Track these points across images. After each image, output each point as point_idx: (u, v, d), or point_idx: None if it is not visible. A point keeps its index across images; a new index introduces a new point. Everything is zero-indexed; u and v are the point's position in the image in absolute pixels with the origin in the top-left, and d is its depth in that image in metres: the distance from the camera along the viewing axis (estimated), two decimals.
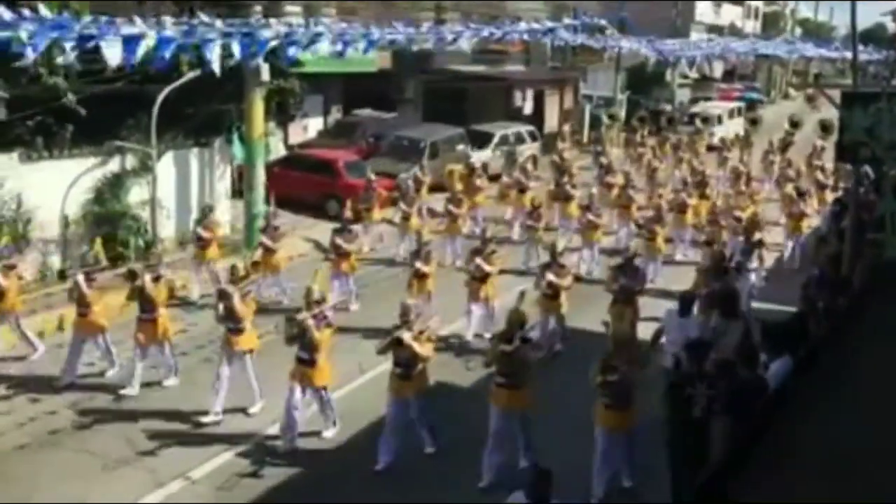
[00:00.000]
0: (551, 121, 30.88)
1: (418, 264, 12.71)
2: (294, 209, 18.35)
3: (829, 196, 20.75)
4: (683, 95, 41.51)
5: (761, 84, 54.58)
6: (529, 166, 20.35)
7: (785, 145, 26.68)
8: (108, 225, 14.88)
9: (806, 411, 4.92)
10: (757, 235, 14.56)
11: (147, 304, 10.62)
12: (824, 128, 27.01)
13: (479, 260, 12.43)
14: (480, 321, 12.57)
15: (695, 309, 10.20)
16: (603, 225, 16.39)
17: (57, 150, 14.85)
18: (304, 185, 18.88)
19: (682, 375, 7.63)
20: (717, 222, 16.12)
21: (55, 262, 14.35)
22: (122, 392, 10.51)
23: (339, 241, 13.78)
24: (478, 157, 22.73)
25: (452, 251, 16.48)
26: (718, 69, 49.03)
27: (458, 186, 18.49)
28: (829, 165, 22.69)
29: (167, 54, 11.25)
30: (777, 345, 7.04)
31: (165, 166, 15.97)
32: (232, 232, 17.14)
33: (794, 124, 30.15)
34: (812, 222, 18.14)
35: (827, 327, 8.02)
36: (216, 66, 12.04)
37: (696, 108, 35.77)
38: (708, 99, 40.46)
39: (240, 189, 17.41)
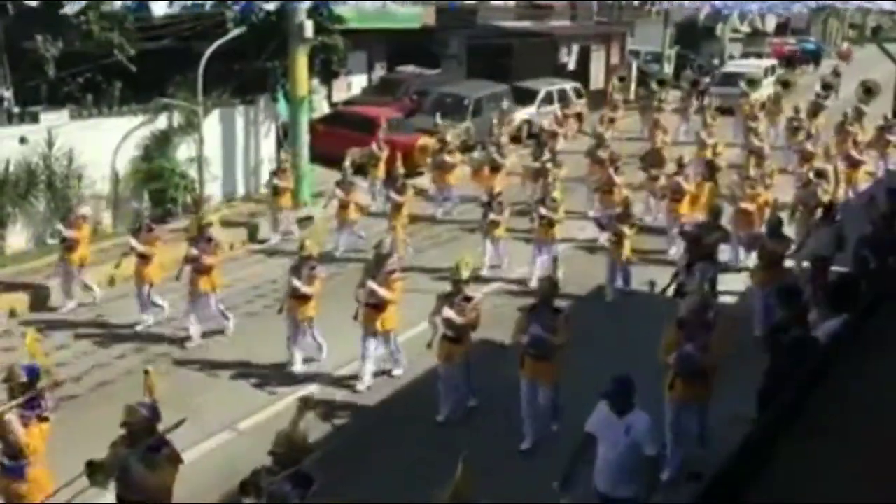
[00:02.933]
0: (597, 77, 30.40)
1: (296, 283, 9.71)
2: (338, 167, 18.42)
3: (863, 175, 17.73)
4: (735, 50, 40.54)
5: (816, 38, 53.01)
6: (504, 139, 17.46)
7: (814, 111, 22.92)
8: (156, 182, 15.13)
9: (851, 375, 4.85)
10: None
11: None
12: (867, 90, 23.69)
13: (372, 283, 9.40)
14: (377, 361, 9.89)
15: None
16: (560, 221, 13.04)
17: (106, 107, 15.08)
18: (347, 143, 18.91)
19: (779, 324, 7.49)
20: (718, 224, 12.13)
21: (106, 218, 14.66)
22: None
23: (194, 251, 10.54)
24: (521, 114, 22.57)
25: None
26: (771, 23, 47.71)
27: (431, 163, 16.50)
28: (863, 136, 19.37)
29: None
30: (832, 304, 6.95)
31: (211, 124, 16.13)
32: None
33: (827, 86, 26.08)
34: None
35: (878, 287, 7.88)
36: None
37: (728, 68, 32.72)
38: (759, 55, 39.39)
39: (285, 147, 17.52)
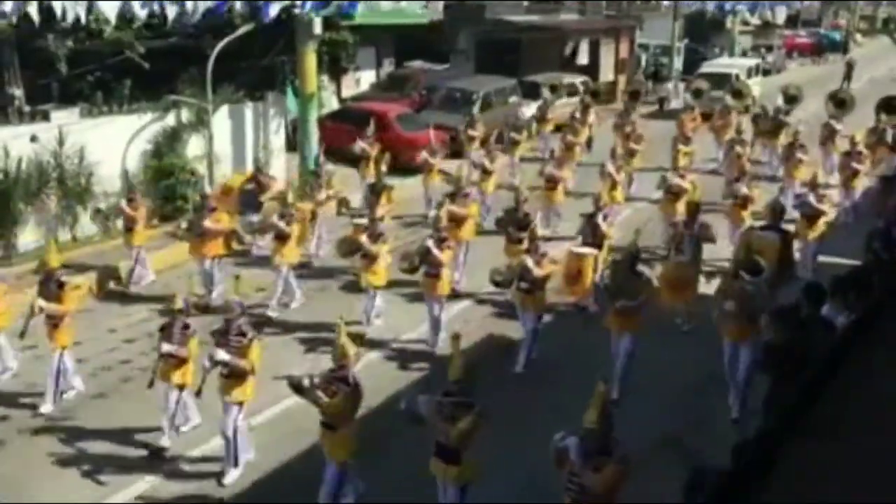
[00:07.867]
0: (606, 71, 30.30)
1: None
2: (347, 162, 18.44)
3: (821, 226, 12.12)
4: (745, 42, 40.32)
5: (825, 30, 52.66)
6: (327, 184, 13.27)
7: (774, 130, 18.52)
8: (166, 179, 15.18)
9: (864, 369, 4.83)
10: None
11: None
12: (839, 103, 19.46)
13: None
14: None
15: None
16: (251, 372, 7.58)
17: (116, 105, 15.14)
18: (356, 139, 18.93)
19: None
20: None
21: None
22: None
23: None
24: (530, 109, 22.50)
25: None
26: (781, 15, 47.39)
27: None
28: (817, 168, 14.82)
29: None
30: (844, 298, 6.92)
31: (221, 120, 16.17)
32: (287, 186, 17.30)
33: (791, 98, 20.80)
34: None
35: (890, 281, 7.84)
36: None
37: (706, 67, 28.16)
38: (769, 48, 39.11)
39: (295, 142, 17.55)
